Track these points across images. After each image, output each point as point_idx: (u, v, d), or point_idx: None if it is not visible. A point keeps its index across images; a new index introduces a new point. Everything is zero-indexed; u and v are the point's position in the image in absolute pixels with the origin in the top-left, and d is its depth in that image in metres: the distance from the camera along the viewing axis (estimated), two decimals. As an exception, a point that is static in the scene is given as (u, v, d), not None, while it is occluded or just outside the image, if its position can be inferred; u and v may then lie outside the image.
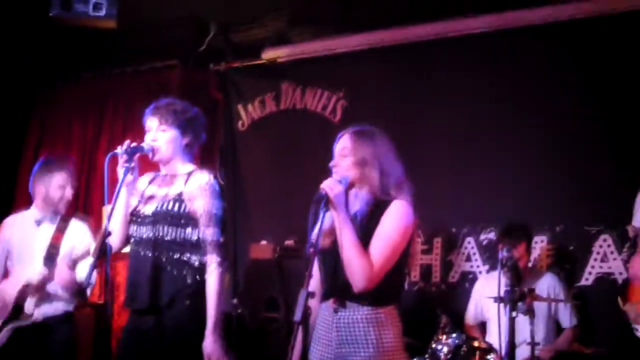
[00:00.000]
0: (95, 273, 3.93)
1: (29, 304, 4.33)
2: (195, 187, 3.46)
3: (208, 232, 3.44)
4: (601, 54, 5.11)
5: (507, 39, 5.47)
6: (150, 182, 3.61)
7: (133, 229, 3.53)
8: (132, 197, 3.52)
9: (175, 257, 3.44)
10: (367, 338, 2.88)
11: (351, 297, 2.90)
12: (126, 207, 3.48)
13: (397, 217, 2.92)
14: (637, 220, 3.91)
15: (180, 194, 3.46)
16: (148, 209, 3.50)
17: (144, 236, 3.47)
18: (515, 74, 5.43)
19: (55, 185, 4.43)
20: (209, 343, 3.33)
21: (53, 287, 4.38)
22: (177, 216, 3.45)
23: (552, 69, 5.28)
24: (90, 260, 4.32)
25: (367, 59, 6.05)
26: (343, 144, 3.06)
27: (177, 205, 3.46)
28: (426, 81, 5.78)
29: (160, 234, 3.44)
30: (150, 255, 3.44)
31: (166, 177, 3.58)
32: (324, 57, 6.27)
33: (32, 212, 4.53)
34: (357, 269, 2.82)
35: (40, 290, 4.34)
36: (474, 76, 5.57)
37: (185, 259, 3.44)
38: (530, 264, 4.98)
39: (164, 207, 3.46)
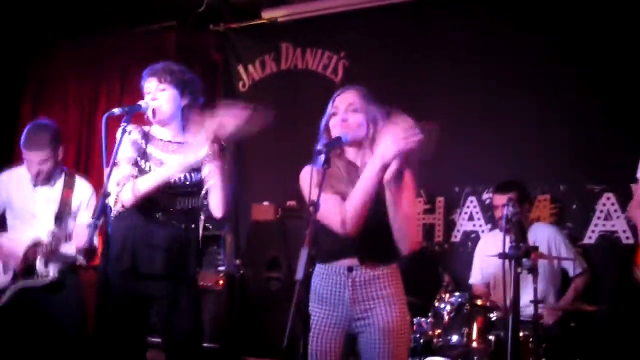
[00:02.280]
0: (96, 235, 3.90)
1: (41, 264, 4.31)
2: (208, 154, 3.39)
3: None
4: (601, 14, 5.05)
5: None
6: (149, 143, 3.52)
7: None
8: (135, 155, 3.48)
9: (188, 226, 3.49)
10: (386, 293, 2.96)
11: (371, 256, 2.95)
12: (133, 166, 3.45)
13: (413, 188, 2.96)
14: (639, 174, 3.90)
15: (198, 162, 3.40)
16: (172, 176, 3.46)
17: (164, 204, 3.45)
18: (517, 32, 5.37)
19: (33, 160, 4.37)
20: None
21: (66, 248, 4.34)
22: (195, 185, 3.47)
23: (553, 28, 5.23)
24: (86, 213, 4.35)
25: (368, 18, 5.99)
26: (350, 99, 3.02)
27: (194, 174, 3.47)
28: (427, 39, 5.73)
29: (179, 203, 3.47)
30: (164, 221, 3.44)
31: (172, 144, 3.53)
32: (324, 16, 6.20)
33: (26, 171, 4.49)
34: (412, 229, 2.94)
35: (53, 252, 4.31)
36: (476, 34, 5.52)
37: (194, 227, 3.52)
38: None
39: (183, 177, 3.45)
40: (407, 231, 2.91)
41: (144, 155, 3.47)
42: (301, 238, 2.66)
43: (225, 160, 3.42)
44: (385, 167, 2.82)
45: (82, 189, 4.51)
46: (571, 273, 4.85)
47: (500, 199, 4.68)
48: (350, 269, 2.96)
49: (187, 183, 3.47)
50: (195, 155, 3.31)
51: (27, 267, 4.32)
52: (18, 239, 4.36)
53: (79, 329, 4.37)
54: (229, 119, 3.23)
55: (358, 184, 2.87)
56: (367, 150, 2.98)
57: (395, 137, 2.76)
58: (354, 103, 3.01)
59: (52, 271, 4.33)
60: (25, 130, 4.44)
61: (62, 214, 4.40)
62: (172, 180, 3.41)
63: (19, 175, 4.51)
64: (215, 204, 3.43)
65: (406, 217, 2.90)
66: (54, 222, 4.36)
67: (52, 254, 4.31)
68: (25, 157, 4.39)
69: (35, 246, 4.32)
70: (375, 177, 2.83)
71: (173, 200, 3.46)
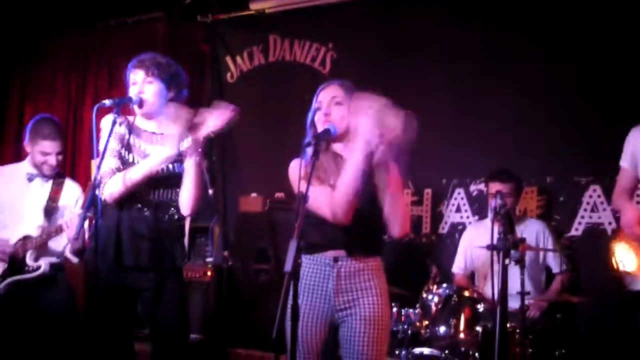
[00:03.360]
0: (86, 226, 3.90)
1: (31, 258, 4.32)
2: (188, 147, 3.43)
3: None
4: (590, 6, 5.07)
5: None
6: (132, 134, 3.51)
7: None
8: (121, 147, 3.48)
9: (172, 217, 3.50)
10: (370, 285, 2.99)
11: (356, 247, 2.98)
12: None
13: (398, 179, 2.99)
14: (623, 160, 3.93)
15: (180, 154, 3.42)
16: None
17: (144, 195, 3.45)
18: (503, 28, 5.38)
19: (40, 151, 4.40)
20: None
21: (54, 242, 4.35)
22: (177, 176, 3.47)
23: (538, 21, 5.24)
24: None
25: (356, 10, 5.99)
26: (333, 93, 3.04)
27: (177, 166, 3.47)
28: (415, 33, 5.73)
29: (162, 195, 3.47)
30: (148, 213, 3.45)
31: (156, 136, 3.53)
32: (312, 8, 6.19)
33: (25, 167, 4.50)
34: (404, 211, 2.98)
35: (42, 246, 4.32)
36: (463, 28, 5.52)
37: (178, 217, 3.52)
38: (518, 213, 5.01)
39: (166, 169, 3.45)
40: (400, 212, 2.94)
41: (127, 146, 3.48)
42: (290, 230, 2.68)
43: (202, 157, 3.45)
44: (370, 153, 2.85)
45: (71, 190, 4.55)
46: (555, 269, 4.89)
47: (501, 187, 4.67)
48: (335, 260, 2.98)
49: (170, 174, 3.47)
50: (178, 147, 3.34)
51: (17, 262, 4.32)
52: (8, 235, 4.37)
53: (70, 324, 4.38)
54: (211, 118, 3.28)
55: (345, 171, 2.89)
56: (350, 144, 2.99)
57: (374, 120, 2.81)
58: (337, 96, 3.03)
59: (43, 265, 4.33)
60: (35, 123, 4.47)
61: (51, 209, 4.41)
62: (155, 172, 3.41)
63: (12, 171, 4.54)
64: (185, 201, 3.46)
65: (398, 198, 2.94)
66: (42, 216, 4.38)
67: (42, 247, 4.32)
68: (39, 149, 4.39)
69: (24, 240, 4.32)
70: (362, 164, 2.86)
71: (155, 191, 3.46)
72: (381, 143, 2.85)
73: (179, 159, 3.44)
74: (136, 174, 3.36)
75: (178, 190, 3.48)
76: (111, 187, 3.35)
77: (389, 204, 2.95)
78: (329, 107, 3.02)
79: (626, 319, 3.92)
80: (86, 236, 4.05)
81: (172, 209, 3.50)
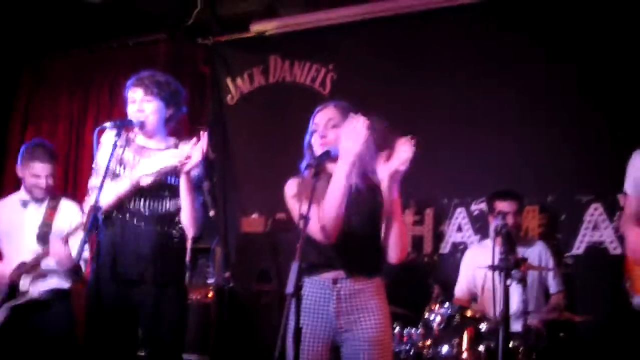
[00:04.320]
0: (87, 248, 3.90)
1: (23, 283, 4.32)
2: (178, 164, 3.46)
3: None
4: (588, 24, 5.09)
5: (495, 10, 5.43)
6: (125, 149, 3.54)
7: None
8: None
9: (167, 229, 3.51)
10: (373, 305, 2.98)
11: (357, 269, 2.97)
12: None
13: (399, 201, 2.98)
14: (627, 186, 3.89)
15: (175, 167, 3.44)
16: (142, 181, 3.49)
17: (139, 207, 3.49)
18: (504, 46, 5.40)
19: (31, 173, 4.42)
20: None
21: (47, 264, 4.34)
22: (172, 188, 3.49)
23: (539, 38, 5.26)
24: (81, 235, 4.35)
25: (357, 31, 6.01)
26: (329, 115, 3.05)
27: (173, 178, 3.49)
28: (415, 53, 5.75)
29: (158, 206, 3.49)
30: (146, 227, 3.47)
31: (149, 150, 3.56)
32: (312, 29, 6.22)
33: (20, 194, 4.53)
34: (406, 241, 2.99)
35: (34, 268, 4.32)
36: (463, 47, 5.55)
37: (174, 230, 3.53)
38: (521, 233, 5.00)
39: (165, 180, 3.48)
40: (401, 239, 2.93)
41: (120, 161, 3.52)
42: (291, 250, 2.68)
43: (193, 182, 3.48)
44: (352, 164, 2.85)
45: (68, 209, 4.53)
46: (553, 290, 4.90)
47: (506, 206, 4.73)
48: (335, 282, 2.97)
49: (162, 187, 3.48)
50: (165, 162, 3.38)
51: (12, 287, 4.32)
52: (8, 263, 4.38)
53: (66, 349, 4.37)
54: (193, 151, 3.35)
55: (330, 185, 2.89)
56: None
57: (353, 130, 2.83)
58: (333, 118, 3.04)
59: (32, 289, 4.33)
60: (27, 147, 4.53)
61: (44, 233, 4.40)
62: (145, 185, 3.44)
63: (10, 201, 4.58)
64: (185, 221, 3.50)
65: (402, 224, 2.94)
66: (36, 242, 4.37)
67: (34, 269, 4.31)
68: (30, 171, 4.43)
69: (19, 266, 4.33)
70: (345, 176, 2.86)
71: (148, 204, 3.48)
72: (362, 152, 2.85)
73: (174, 171, 3.46)
74: (119, 187, 3.42)
75: (171, 203, 3.48)
76: (103, 199, 3.35)
77: (387, 229, 2.96)
78: (326, 129, 3.03)
79: (629, 339, 3.89)
80: (85, 255, 4.05)
81: (171, 223, 3.51)
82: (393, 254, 2.98)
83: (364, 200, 2.96)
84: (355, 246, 2.96)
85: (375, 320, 2.96)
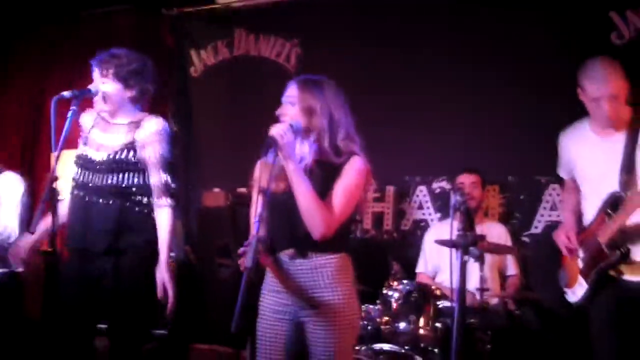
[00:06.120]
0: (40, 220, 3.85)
1: None
2: (149, 134, 3.49)
3: (161, 177, 3.50)
4: (547, 14, 5.13)
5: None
6: (94, 126, 3.59)
7: (80, 173, 3.53)
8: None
9: (129, 202, 3.48)
10: (329, 283, 2.95)
11: (310, 246, 2.93)
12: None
13: (357, 172, 2.97)
14: (560, 168, 3.88)
15: (133, 142, 3.48)
16: (99, 156, 3.51)
17: (96, 182, 3.47)
18: (466, 24, 5.42)
19: None
20: (164, 271, 3.45)
21: None
22: (132, 163, 3.47)
23: (499, 21, 5.29)
24: (11, 209, 4.30)
25: (322, 6, 5.97)
26: (290, 92, 3.03)
27: (131, 152, 3.48)
28: (380, 31, 5.74)
29: (115, 180, 3.46)
30: (103, 201, 3.45)
31: (114, 126, 3.56)
32: (278, 3, 6.18)
33: None
34: (316, 216, 2.88)
35: None
36: (427, 25, 5.55)
37: (138, 203, 3.50)
38: (482, 207, 5.08)
39: (118, 155, 3.47)
40: (314, 218, 2.87)
41: (85, 139, 3.56)
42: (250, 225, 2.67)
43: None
44: (288, 157, 2.86)
45: (8, 182, 4.43)
46: (509, 272, 4.98)
47: (468, 178, 4.88)
48: (292, 258, 2.97)
49: (119, 161, 3.48)
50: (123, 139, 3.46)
51: None
52: None
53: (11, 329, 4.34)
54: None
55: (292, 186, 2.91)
56: (304, 141, 2.99)
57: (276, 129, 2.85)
58: (290, 96, 3.02)
59: None
60: None
61: None
62: (101, 158, 3.46)
63: None
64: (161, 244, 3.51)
65: (307, 205, 2.87)
66: None
67: None
68: None
69: None
70: (293, 171, 2.86)
71: (105, 178, 3.47)
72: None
73: (133, 146, 3.46)
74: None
75: (128, 176, 3.47)
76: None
77: (304, 209, 2.91)
78: (284, 107, 3.03)
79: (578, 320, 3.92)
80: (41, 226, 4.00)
81: (130, 196, 3.49)
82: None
83: (316, 180, 2.94)
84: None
85: (336, 297, 2.93)
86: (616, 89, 3.36)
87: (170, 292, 3.45)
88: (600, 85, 3.38)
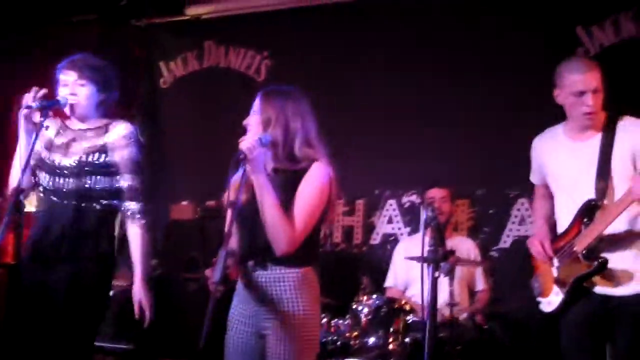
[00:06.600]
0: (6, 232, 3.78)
1: None
2: (118, 137, 3.46)
3: (132, 181, 3.47)
4: (515, 29, 5.18)
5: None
6: (59, 132, 3.52)
7: (47, 178, 3.46)
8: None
9: (99, 206, 3.44)
10: (284, 297, 2.89)
11: (271, 258, 2.89)
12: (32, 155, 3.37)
13: (316, 180, 2.91)
14: (533, 174, 3.84)
15: (103, 145, 3.44)
16: (67, 161, 3.45)
17: (65, 187, 3.42)
18: (434, 39, 5.46)
19: None
20: (140, 288, 3.45)
21: None
22: (103, 166, 3.44)
23: (468, 37, 5.34)
24: None
25: (292, 18, 5.99)
26: (255, 103, 3.02)
27: (102, 156, 3.44)
28: (350, 43, 5.76)
29: (86, 184, 3.41)
30: (73, 205, 3.39)
31: (80, 131, 3.52)
32: (248, 15, 6.18)
33: None
34: (279, 232, 2.83)
35: None
36: (398, 37, 5.57)
37: (109, 207, 3.47)
38: (452, 221, 5.08)
39: (89, 158, 3.43)
40: (276, 232, 2.83)
41: (49, 147, 3.49)
42: (221, 238, 2.64)
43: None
44: (254, 170, 2.81)
45: None
46: (478, 287, 4.97)
47: (438, 193, 4.85)
48: (254, 270, 2.93)
49: (84, 164, 3.43)
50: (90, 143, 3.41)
51: None
52: None
53: None
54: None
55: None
56: (267, 152, 2.96)
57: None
58: (255, 106, 3.01)
59: None
60: None
61: None
62: (69, 163, 3.41)
63: None
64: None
65: (269, 219, 2.82)
66: None
67: None
68: None
69: None
70: (260, 186, 2.82)
71: (67, 182, 3.42)
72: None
73: (104, 149, 3.43)
74: None
75: (88, 180, 3.42)
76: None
77: (267, 222, 2.85)
78: (249, 117, 3.01)
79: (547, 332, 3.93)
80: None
81: (92, 199, 3.43)
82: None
83: (277, 189, 2.89)
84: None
85: (295, 311, 2.88)
86: (598, 83, 3.34)
87: (147, 313, 3.43)
88: (583, 77, 3.33)
